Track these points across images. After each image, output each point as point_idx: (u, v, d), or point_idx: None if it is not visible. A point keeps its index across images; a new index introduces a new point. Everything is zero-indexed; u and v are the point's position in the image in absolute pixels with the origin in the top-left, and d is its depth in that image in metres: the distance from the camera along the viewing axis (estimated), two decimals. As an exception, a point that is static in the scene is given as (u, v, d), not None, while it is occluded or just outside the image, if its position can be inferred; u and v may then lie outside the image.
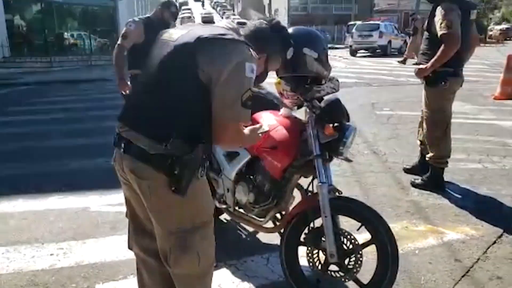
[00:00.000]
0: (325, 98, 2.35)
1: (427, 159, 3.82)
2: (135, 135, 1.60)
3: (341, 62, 18.41)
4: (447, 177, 4.01)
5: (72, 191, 3.87)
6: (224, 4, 72.42)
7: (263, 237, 3.00)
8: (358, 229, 2.26)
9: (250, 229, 3.02)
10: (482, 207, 3.44)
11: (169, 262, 1.71)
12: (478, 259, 2.68)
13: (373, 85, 9.69)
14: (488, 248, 2.81)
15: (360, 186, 3.96)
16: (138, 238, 1.89)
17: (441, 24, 3.28)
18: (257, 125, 1.99)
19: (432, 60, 3.40)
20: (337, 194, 2.30)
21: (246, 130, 1.83)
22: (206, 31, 1.60)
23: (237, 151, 2.64)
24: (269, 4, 42.82)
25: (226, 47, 1.57)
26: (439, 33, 3.31)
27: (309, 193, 2.48)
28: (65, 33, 22.64)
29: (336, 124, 2.32)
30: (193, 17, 56.67)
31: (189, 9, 62.83)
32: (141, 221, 1.84)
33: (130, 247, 1.97)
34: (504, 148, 4.94)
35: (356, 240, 2.23)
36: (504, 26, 41.39)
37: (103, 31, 24.15)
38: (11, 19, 19.10)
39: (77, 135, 6.01)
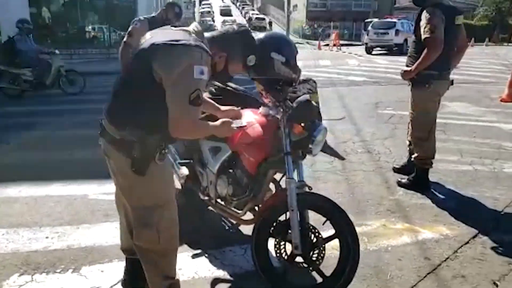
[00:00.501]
0: (297, 99, 2.47)
1: (412, 159, 3.90)
2: (107, 123, 1.94)
3: (355, 60, 18.37)
4: (435, 177, 4.09)
5: (74, 179, 4.08)
6: (245, -1, 72.36)
7: (244, 229, 3.13)
8: (323, 224, 2.38)
9: (233, 221, 3.16)
10: (462, 208, 3.50)
11: (133, 236, 2.02)
12: (447, 258, 2.77)
13: (382, 84, 9.70)
14: (460, 248, 2.89)
15: (348, 184, 4.05)
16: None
17: (424, 28, 3.37)
18: (230, 119, 2.18)
19: (416, 63, 3.48)
20: (306, 189, 2.44)
21: (217, 122, 2.10)
22: (162, 38, 1.83)
23: (220, 146, 2.79)
24: (288, 0, 42.61)
25: (176, 52, 1.77)
26: (423, 36, 3.39)
27: (280, 188, 2.62)
28: (87, 27, 23.11)
29: (307, 123, 2.46)
30: (212, 11, 57.00)
31: (209, 4, 63.14)
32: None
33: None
34: (498, 151, 4.95)
35: (320, 234, 2.36)
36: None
37: (123, 24, 24.50)
38: (35, 12, 19.59)
39: (86, 126, 6.24)
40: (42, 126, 6.35)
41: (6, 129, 6.13)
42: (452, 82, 3.73)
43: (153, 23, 4.36)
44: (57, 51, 9.38)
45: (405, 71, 3.63)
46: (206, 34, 1.99)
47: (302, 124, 2.45)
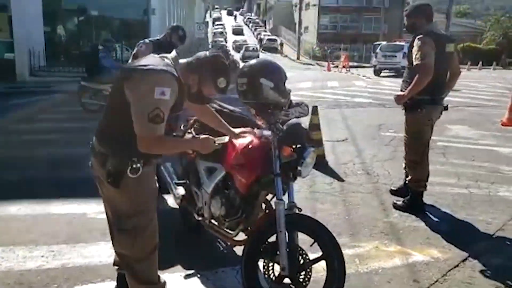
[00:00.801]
0: (288, 122, 2.57)
1: (406, 181, 3.95)
2: (94, 137, 2.18)
3: (363, 82, 18.52)
4: (431, 200, 4.13)
5: (74, 198, 4.15)
6: (257, 20, 73.61)
7: (238, 249, 3.19)
8: (311, 245, 2.43)
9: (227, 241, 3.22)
10: (455, 232, 3.54)
11: (113, 241, 2.25)
12: (436, 281, 2.80)
13: (386, 106, 9.78)
14: (449, 271, 2.92)
15: (345, 205, 4.10)
16: None
17: (416, 55, 3.49)
18: (211, 137, 2.31)
19: (408, 88, 3.58)
20: (296, 211, 2.51)
21: (195, 138, 2.48)
22: (137, 63, 2.10)
23: (215, 167, 2.89)
24: (300, 22, 43.23)
25: (142, 75, 1.99)
26: (414, 63, 3.50)
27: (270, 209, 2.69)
28: (100, 45, 23.65)
29: (298, 146, 2.55)
30: (225, 32, 57.92)
31: (222, 24, 64.23)
32: None
33: None
34: (494, 174, 4.98)
35: (308, 256, 2.42)
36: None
37: (136, 43, 25.03)
38: (49, 31, 20.15)
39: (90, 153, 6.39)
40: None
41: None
42: (446, 108, 3.81)
43: (158, 46, 4.52)
44: None
45: (398, 95, 3.72)
46: (182, 60, 2.18)
47: (293, 146, 2.55)
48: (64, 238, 3.36)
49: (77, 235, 3.42)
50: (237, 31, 61.29)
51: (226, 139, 2.38)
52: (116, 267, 2.52)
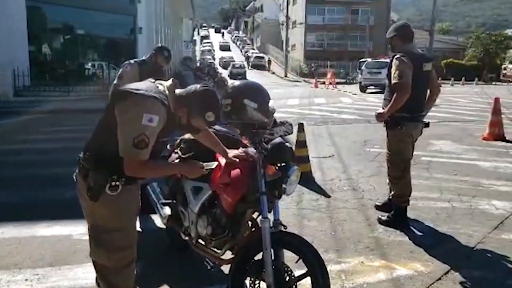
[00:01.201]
0: (272, 141, 2.64)
1: (390, 197, 4.04)
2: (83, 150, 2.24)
3: (349, 98, 18.79)
4: (414, 215, 4.22)
5: (60, 220, 4.13)
6: (244, 38, 74.45)
7: (225, 268, 3.21)
8: (296, 262, 2.48)
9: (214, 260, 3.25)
10: (438, 245, 3.62)
11: (90, 251, 2.29)
12: (419, 294, 2.86)
13: (372, 122, 9.92)
14: (432, 284, 2.99)
15: (331, 221, 4.17)
16: None
17: (394, 74, 3.61)
18: (199, 162, 2.38)
19: (388, 106, 3.69)
20: (281, 228, 2.56)
21: (183, 162, 2.53)
22: (130, 86, 2.13)
23: (201, 186, 2.93)
24: (287, 40, 43.87)
25: (132, 99, 2.04)
26: (392, 82, 3.63)
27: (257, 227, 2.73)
28: (86, 64, 23.65)
29: (282, 164, 2.62)
30: (213, 49, 58.44)
31: (209, 42, 64.87)
32: None
33: None
34: (476, 188, 5.10)
35: (293, 273, 2.46)
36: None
37: (123, 62, 25.11)
38: (34, 50, 20.12)
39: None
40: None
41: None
42: (427, 125, 3.93)
43: (143, 67, 4.59)
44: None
45: (379, 113, 3.84)
46: (177, 91, 2.22)
47: (278, 165, 2.62)
48: (49, 261, 3.33)
49: (62, 257, 3.40)
50: (224, 47, 63.15)
51: (214, 165, 2.44)
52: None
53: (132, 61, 4.75)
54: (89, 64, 23.87)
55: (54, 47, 22.15)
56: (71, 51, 22.33)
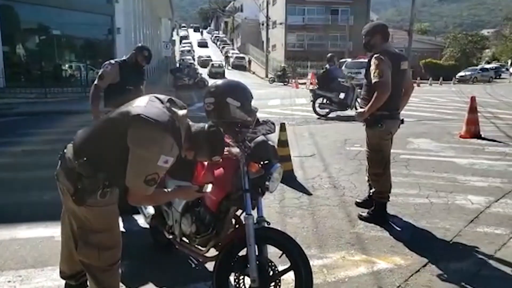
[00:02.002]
0: (255, 139, 2.69)
1: (370, 194, 4.14)
2: (70, 147, 2.21)
3: (329, 98, 18.94)
4: (394, 211, 4.32)
5: (41, 221, 4.09)
6: (224, 38, 74.33)
7: (209, 265, 3.24)
8: (280, 257, 2.54)
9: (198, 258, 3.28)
10: (416, 239, 3.73)
11: (77, 250, 2.28)
12: (399, 286, 2.96)
13: (351, 122, 10.05)
14: (411, 276, 3.08)
15: (313, 218, 4.23)
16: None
17: (373, 73, 3.70)
18: (193, 186, 2.48)
19: (368, 105, 3.78)
20: (265, 224, 2.61)
21: (179, 189, 2.53)
22: (149, 111, 2.06)
23: (185, 186, 2.95)
24: (267, 40, 44.01)
25: (151, 132, 2.01)
26: (372, 81, 3.71)
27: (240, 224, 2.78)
28: (63, 65, 23.25)
29: (265, 162, 2.67)
30: (193, 50, 58.13)
31: (189, 42, 64.60)
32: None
33: None
34: (453, 184, 5.25)
35: (277, 267, 2.52)
36: (493, 65, 42.71)
37: (101, 63, 24.75)
38: (8, 51, 19.68)
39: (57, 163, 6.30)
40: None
41: None
42: (402, 121, 4.04)
43: (124, 66, 4.60)
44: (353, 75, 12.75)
45: (359, 112, 3.92)
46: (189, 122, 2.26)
47: (261, 162, 2.66)
48: (32, 262, 3.32)
49: (45, 258, 3.38)
50: (202, 44, 66.06)
51: (209, 187, 2.47)
52: (65, 280, 2.62)
53: (112, 61, 4.72)
54: (66, 65, 23.46)
55: (29, 48, 21.65)
56: (47, 52, 21.83)
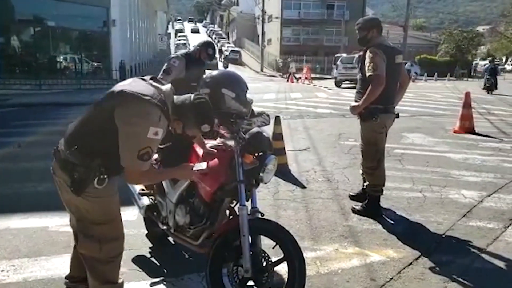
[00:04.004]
0: (250, 131, 2.68)
1: (364, 187, 4.15)
2: (62, 141, 2.18)
3: (324, 93, 19.00)
4: (387, 204, 4.35)
5: (35, 212, 4.10)
6: (220, 32, 73.98)
7: (203, 256, 3.23)
8: (273, 248, 2.54)
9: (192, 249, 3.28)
10: (409, 232, 3.75)
11: (77, 243, 2.27)
12: (391, 278, 2.97)
13: (346, 116, 10.09)
14: (404, 268, 3.11)
15: (306, 211, 4.25)
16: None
17: (368, 66, 3.70)
18: (191, 164, 2.44)
19: (363, 98, 3.78)
20: (258, 215, 2.61)
21: (177, 167, 2.42)
22: (133, 87, 2.07)
23: (179, 177, 2.95)
24: (263, 34, 43.86)
25: (138, 107, 2.01)
26: (367, 74, 3.71)
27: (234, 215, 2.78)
28: (58, 57, 23.07)
29: (260, 154, 2.66)
30: (188, 43, 57.91)
31: (184, 36, 64.35)
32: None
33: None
34: (446, 179, 5.29)
35: (270, 258, 2.52)
36: (488, 61, 42.79)
37: (96, 55, 24.67)
38: (3, 42, 19.52)
39: (52, 158, 6.26)
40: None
41: None
42: (397, 115, 4.05)
43: (188, 61, 4.44)
44: None
45: (353, 106, 3.93)
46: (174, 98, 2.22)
47: (255, 154, 2.66)
48: (25, 252, 3.31)
49: (38, 248, 3.38)
50: (194, 30, 71.90)
51: (204, 165, 2.45)
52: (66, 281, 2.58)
53: (179, 55, 4.57)
54: (61, 57, 23.27)
55: (24, 40, 21.45)
56: (42, 43, 21.63)
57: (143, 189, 3.29)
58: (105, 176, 2.11)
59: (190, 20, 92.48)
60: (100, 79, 21.42)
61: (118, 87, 2.13)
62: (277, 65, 36.51)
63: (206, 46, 4.60)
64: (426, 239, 3.64)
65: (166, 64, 4.46)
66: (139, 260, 3.21)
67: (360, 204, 4.21)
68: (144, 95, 2.03)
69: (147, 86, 2.13)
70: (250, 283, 2.53)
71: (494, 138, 7.96)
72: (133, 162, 2.04)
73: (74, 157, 2.08)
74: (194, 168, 2.40)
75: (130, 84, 2.13)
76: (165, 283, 2.90)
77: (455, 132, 8.32)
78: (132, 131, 2.00)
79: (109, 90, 2.16)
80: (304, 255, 2.53)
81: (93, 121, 2.13)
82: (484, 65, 38.50)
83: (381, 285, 2.89)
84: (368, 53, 3.75)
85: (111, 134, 2.03)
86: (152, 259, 3.26)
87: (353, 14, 43.83)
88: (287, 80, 28.12)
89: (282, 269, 2.56)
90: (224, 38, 67.90)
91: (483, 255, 3.34)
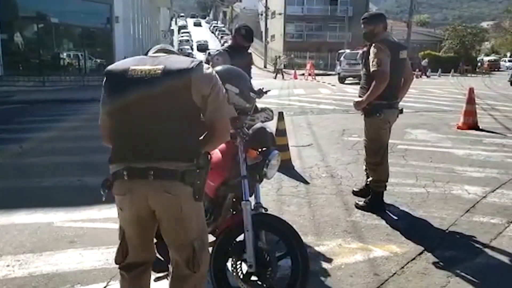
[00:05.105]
0: (253, 126, 2.69)
1: (367, 182, 4.16)
2: (156, 162, 1.83)
3: (327, 89, 19.00)
4: (391, 200, 4.35)
5: (40, 207, 4.12)
6: (223, 29, 73.91)
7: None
8: (277, 243, 2.55)
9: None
10: (413, 228, 3.75)
11: (193, 265, 2.01)
12: (395, 273, 2.98)
13: (350, 112, 10.08)
14: (407, 264, 3.11)
15: (310, 207, 4.26)
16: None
17: (372, 62, 3.69)
18: None
19: (367, 94, 3.78)
20: (262, 211, 2.63)
21: None
22: (183, 60, 1.95)
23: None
24: (266, 30, 43.78)
25: (207, 71, 1.96)
26: (371, 69, 3.71)
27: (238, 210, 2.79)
28: (61, 53, 23.13)
29: (263, 149, 2.67)
30: (191, 40, 57.95)
31: (187, 32, 64.39)
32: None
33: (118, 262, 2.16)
34: (450, 174, 5.28)
35: (273, 253, 2.53)
36: (492, 57, 42.76)
37: (100, 52, 24.75)
38: (6, 39, 19.57)
39: (56, 153, 6.31)
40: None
41: None
42: (401, 111, 4.04)
43: (232, 53, 4.13)
44: None
45: (357, 101, 3.92)
46: None
47: (259, 149, 2.67)
48: (30, 248, 3.33)
49: (43, 244, 3.40)
50: (196, 23, 75.18)
51: None
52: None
53: (221, 49, 4.36)
54: (64, 53, 23.34)
55: (27, 36, 21.52)
56: (45, 40, 21.70)
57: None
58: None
59: (192, 17, 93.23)
60: (103, 76, 21.45)
61: (174, 65, 1.88)
62: (290, 62, 36.45)
63: (238, 29, 4.22)
64: (429, 234, 3.64)
65: (210, 64, 4.17)
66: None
67: (363, 199, 4.21)
68: (200, 61, 1.96)
69: (181, 57, 2.04)
70: (254, 278, 2.54)
71: (498, 134, 7.94)
72: (227, 108, 2.07)
73: (202, 162, 1.91)
74: None
75: (176, 58, 1.99)
76: (169, 278, 2.91)
77: (459, 128, 8.31)
78: (218, 87, 1.98)
79: (155, 80, 1.84)
80: (308, 250, 2.55)
81: (175, 116, 1.87)
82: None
83: (384, 280, 2.89)
84: (372, 49, 3.75)
85: (192, 112, 1.89)
86: (156, 254, 3.27)
87: (357, 10, 43.63)
88: (275, 77, 27.94)
89: (286, 264, 2.57)
90: (227, 34, 67.74)
91: (486, 250, 3.34)
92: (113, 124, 1.95)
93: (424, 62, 32.84)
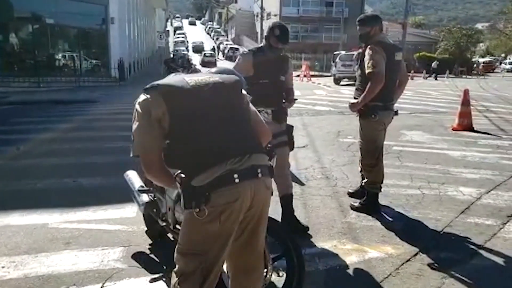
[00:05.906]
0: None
1: (363, 184, 4.17)
2: (256, 158, 1.86)
3: (323, 90, 19.03)
4: (386, 201, 4.36)
5: (35, 209, 4.10)
6: (219, 30, 73.95)
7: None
8: (272, 244, 2.55)
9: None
10: (407, 229, 3.76)
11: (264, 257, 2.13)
12: (389, 274, 2.99)
13: (345, 114, 10.11)
14: (402, 265, 3.12)
15: (305, 208, 4.26)
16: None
17: (368, 63, 3.70)
18: None
19: (362, 95, 3.79)
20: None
21: None
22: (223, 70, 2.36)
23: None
24: (261, 31, 43.80)
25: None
26: (366, 71, 3.72)
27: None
28: (57, 54, 23.05)
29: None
30: (187, 41, 57.86)
31: (183, 33, 64.33)
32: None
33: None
34: (445, 176, 5.30)
35: (269, 254, 2.53)
36: (487, 59, 43.03)
37: (95, 53, 24.67)
38: (1, 40, 19.49)
39: (51, 155, 6.28)
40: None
41: None
42: (396, 113, 4.06)
43: (259, 55, 3.76)
44: None
45: (352, 103, 3.94)
46: None
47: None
48: (26, 249, 3.31)
49: (39, 245, 3.38)
50: (191, 23, 76.63)
51: None
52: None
53: (246, 50, 4.09)
54: (60, 54, 23.25)
55: (23, 37, 21.44)
56: (40, 41, 21.60)
57: (142, 186, 3.31)
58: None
59: (188, 18, 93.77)
60: (99, 77, 21.43)
61: (230, 78, 2.10)
62: None
63: (272, 29, 3.71)
64: (424, 235, 3.65)
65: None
66: (138, 257, 3.22)
67: (358, 201, 4.22)
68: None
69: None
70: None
71: (493, 135, 7.99)
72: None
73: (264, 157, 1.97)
74: None
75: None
76: (164, 279, 2.91)
77: (454, 129, 8.35)
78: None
79: (224, 88, 1.98)
80: (303, 251, 2.55)
81: (244, 114, 2.02)
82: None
83: (379, 281, 2.91)
84: (368, 50, 3.76)
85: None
86: (152, 255, 3.27)
87: (352, 11, 43.75)
88: None
89: (281, 265, 2.57)
90: (222, 35, 67.87)
91: (481, 251, 3.36)
92: (189, 137, 1.83)
93: (434, 64, 32.98)
